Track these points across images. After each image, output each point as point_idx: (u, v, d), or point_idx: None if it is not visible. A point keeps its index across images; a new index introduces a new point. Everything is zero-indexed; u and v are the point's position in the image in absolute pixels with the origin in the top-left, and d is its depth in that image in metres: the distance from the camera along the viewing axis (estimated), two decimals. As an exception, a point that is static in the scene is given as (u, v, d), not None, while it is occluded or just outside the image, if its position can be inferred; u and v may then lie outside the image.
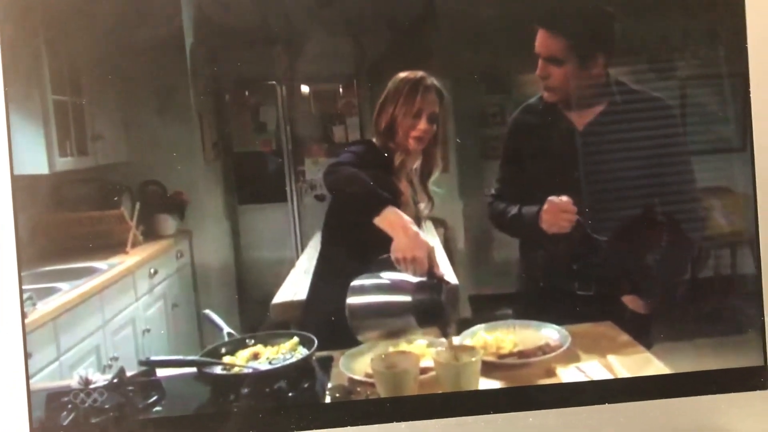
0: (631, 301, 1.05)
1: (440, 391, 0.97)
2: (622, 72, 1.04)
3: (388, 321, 1.01)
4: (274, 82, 1.03)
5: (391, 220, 1.01)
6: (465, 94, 1.05)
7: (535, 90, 1.05)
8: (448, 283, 1.02)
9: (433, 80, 1.04)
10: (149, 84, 0.99)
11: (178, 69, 0.99)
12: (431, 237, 1.07)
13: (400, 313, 1.00)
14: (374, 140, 1.06)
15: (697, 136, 1.03)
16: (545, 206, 1.03)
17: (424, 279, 1.01)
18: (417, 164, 1.08)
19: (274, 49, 1.01)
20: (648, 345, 1.03)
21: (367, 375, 0.99)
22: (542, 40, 1.02)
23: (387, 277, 1.02)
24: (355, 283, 1.01)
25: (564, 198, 1.02)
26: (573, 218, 1.02)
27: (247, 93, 1.03)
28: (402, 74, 1.03)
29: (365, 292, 1.01)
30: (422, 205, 1.08)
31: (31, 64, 0.94)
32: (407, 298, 1.00)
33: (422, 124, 1.05)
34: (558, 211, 1.03)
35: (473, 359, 0.98)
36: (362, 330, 1.02)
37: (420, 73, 1.03)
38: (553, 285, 1.08)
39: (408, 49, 1.02)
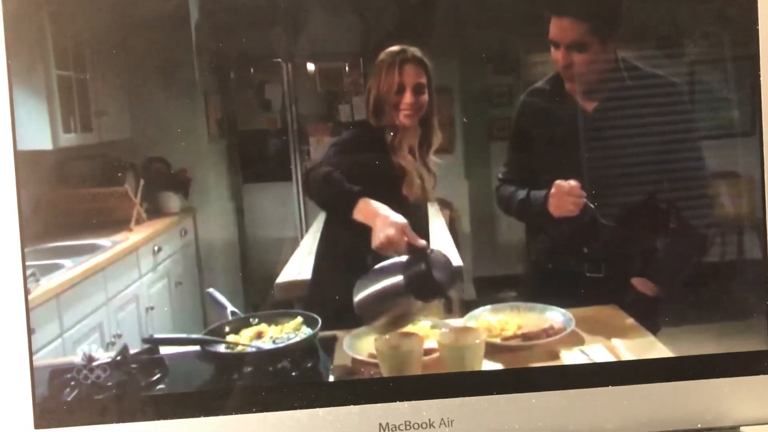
0: (640, 284, 1.05)
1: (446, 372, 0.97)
2: (630, 55, 1.03)
3: (393, 306, 1.01)
4: (279, 60, 1.02)
5: (365, 211, 1.01)
6: (472, 74, 1.04)
7: (543, 71, 1.04)
8: (431, 250, 1.02)
9: (414, 51, 1.02)
10: (154, 60, 0.98)
11: (182, 45, 0.98)
12: (436, 217, 1.07)
13: (400, 295, 0.99)
14: (371, 121, 1.04)
15: (706, 121, 1.02)
16: (552, 190, 1.03)
17: (408, 256, 1.00)
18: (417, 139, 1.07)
19: (280, 25, 1.00)
20: (654, 329, 1.03)
21: (371, 355, 0.99)
22: (562, 27, 1.00)
23: (380, 265, 1.01)
24: (358, 281, 1.01)
25: (572, 182, 1.01)
26: (580, 202, 1.02)
27: (252, 70, 1.02)
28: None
29: (366, 286, 1.01)
30: (426, 181, 1.07)
31: (34, 38, 0.93)
32: (400, 279, 0.99)
33: (408, 98, 1.03)
34: (564, 194, 1.02)
35: (476, 341, 0.98)
36: (374, 321, 1.01)
37: (397, 47, 1.02)
38: (562, 267, 1.08)
39: (415, 27, 1.01)
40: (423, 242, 1.02)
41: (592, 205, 1.01)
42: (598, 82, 1.04)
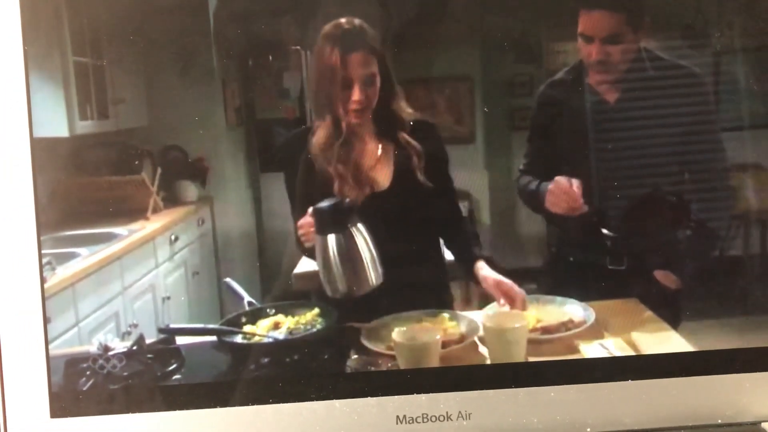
0: (663, 277, 1.04)
1: (464, 364, 0.97)
2: (653, 45, 1.02)
3: None
4: (299, 47, 1.01)
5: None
6: (493, 63, 1.03)
7: (565, 60, 1.03)
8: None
9: (361, 33, 0.97)
10: (172, 46, 0.97)
11: (201, 32, 0.97)
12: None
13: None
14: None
15: (729, 112, 1.01)
16: (551, 185, 1.02)
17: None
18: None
19: (299, 12, 0.99)
20: (674, 323, 1.02)
21: (389, 348, 0.99)
22: (597, 21, 0.99)
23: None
24: None
25: (574, 181, 1.00)
26: (576, 204, 1.00)
27: (270, 58, 1.01)
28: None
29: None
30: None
31: (51, 24, 0.92)
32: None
33: (356, 95, 0.99)
34: (561, 192, 1.01)
35: (519, 325, 0.98)
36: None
37: (344, 24, 0.96)
38: (582, 259, 1.07)
39: (435, 15, 0.99)
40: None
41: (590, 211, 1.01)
42: (623, 72, 1.02)
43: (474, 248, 1.07)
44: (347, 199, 1.01)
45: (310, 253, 1.02)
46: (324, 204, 1.00)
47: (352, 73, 0.98)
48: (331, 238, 1.00)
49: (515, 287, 1.04)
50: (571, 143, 1.05)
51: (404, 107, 1.01)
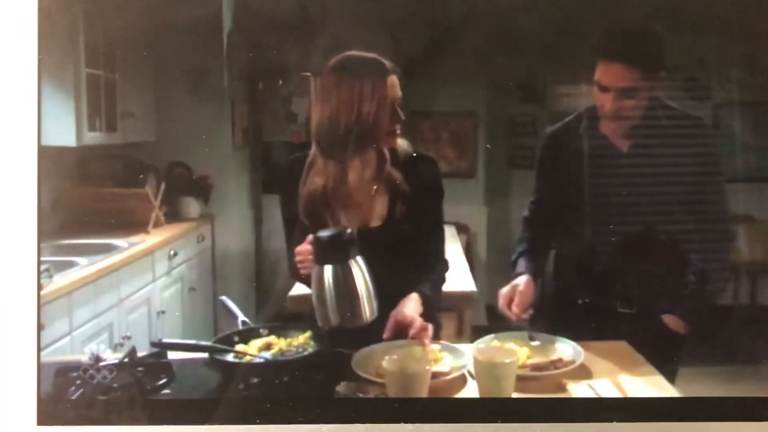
0: (671, 321, 1.05)
1: (454, 396, 0.97)
2: (663, 94, 1.04)
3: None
4: (308, 74, 1.02)
5: None
6: (498, 102, 1.05)
7: (568, 103, 1.05)
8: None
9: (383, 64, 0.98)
10: (184, 65, 0.98)
11: (213, 52, 0.99)
12: (452, 241, 1.06)
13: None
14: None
15: (728, 164, 1.03)
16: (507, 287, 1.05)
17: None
18: None
19: (311, 40, 1.00)
20: (664, 368, 1.02)
21: (378, 375, 0.99)
22: (614, 73, 1.00)
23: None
24: None
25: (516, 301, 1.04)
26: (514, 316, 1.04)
27: (280, 82, 1.03)
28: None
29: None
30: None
31: (66, 34, 0.93)
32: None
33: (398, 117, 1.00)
34: (504, 306, 1.05)
35: (509, 360, 0.97)
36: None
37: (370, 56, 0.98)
38: (575, 300, 1.08)
39: (444, 49, 1.01)
40: None
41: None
42: (638, 120, 1.04)
43: (424, 284, 1.06)
44: (348, 230, 1.00)
45: (304, 281, 1.02)
46: (325, 233, 0.99)
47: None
48: (328, 269, 0.99)
49: (411, 319, 1.03)
50: (579, 188, 1.06)
51: (402, 142, 1.02)
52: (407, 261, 1.05)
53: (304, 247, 1.00)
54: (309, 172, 1.01)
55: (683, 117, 1.02)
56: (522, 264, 1.05)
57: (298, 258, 1.00)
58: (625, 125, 1.04)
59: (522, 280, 1.05)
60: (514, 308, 1.04)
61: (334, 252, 0.98)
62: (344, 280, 0.99)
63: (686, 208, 1.03)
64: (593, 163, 1.05)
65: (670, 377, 1.02)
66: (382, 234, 1.04)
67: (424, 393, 0.97)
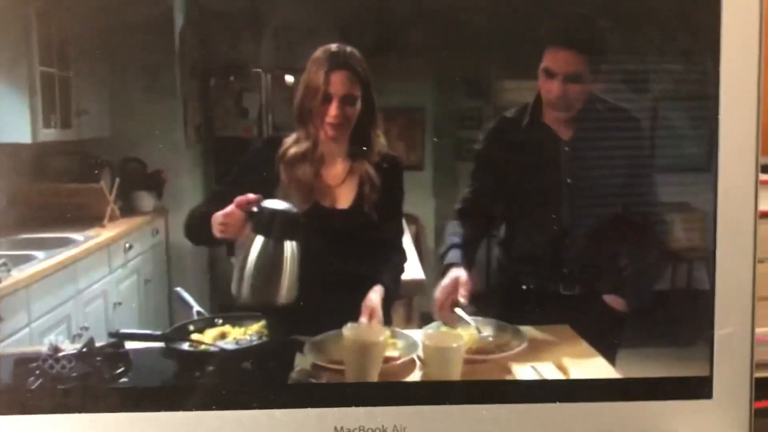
0: (612, 300, 1.09)
1: (402, 380, 1.02)
2: (599, 87, 1.07)
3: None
4: (259, 70, 1.04)
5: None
6: (444, 96, 1.07)
7: (514, 97, 1.07)
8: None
9: (349, 56, 1.00)
10: (137, 62, 1.00)
11: (166, 49, 1.00)
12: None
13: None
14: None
15: (666, 155, 1.06)
16: (446, 280, 1.08)
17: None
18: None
19: (261, 36, 1.02)
20: (605, 350, 1.06)
21: (331, 361, 1.02)
22: (562, 59, 1.03)
23: None
24: None
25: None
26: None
27: (232, 78, 1.04)
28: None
29: None
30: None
31: (19, 33, 0.94)
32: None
33: (333, 110, 1.02)
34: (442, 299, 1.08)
35: (456, 345, 1.02)
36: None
37: (332, 47, 1.00)
38: (520, 284, 1.11)
39: (391, 44, 1.03)
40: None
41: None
42: (579, 111, 1.08)
43: (386, 279, 1.09)
44: (296, 210, 1.01)
45: (213, 243, 1.02)
46: (276, 205, 1.00)
47: (333, 90, 1.01)
48: (259, 240, 1.00)
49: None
50: (521, 178, 1.10)
51: (380, 137, 1.05)
52: (370, 246, 1.08)
53: (236, 212, 0.99)
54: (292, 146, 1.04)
55: (616, 109, 1.06)
56: (456, 255, 1.09)
57: (223, 220, 1.00)
58: (568, 114, 1.07)
59: (461, 272, 1.08)
60: (461, 300, 1.07)
61: (274, 226, 0.99)
62: (272, 257, 1.00)
63: (623, 196, 1.07)
64: (536, 151, 1.09)
65: (611, 359, 1.07)
66: (348, 217, 1.07)
67: (375, 376, 1.00)
